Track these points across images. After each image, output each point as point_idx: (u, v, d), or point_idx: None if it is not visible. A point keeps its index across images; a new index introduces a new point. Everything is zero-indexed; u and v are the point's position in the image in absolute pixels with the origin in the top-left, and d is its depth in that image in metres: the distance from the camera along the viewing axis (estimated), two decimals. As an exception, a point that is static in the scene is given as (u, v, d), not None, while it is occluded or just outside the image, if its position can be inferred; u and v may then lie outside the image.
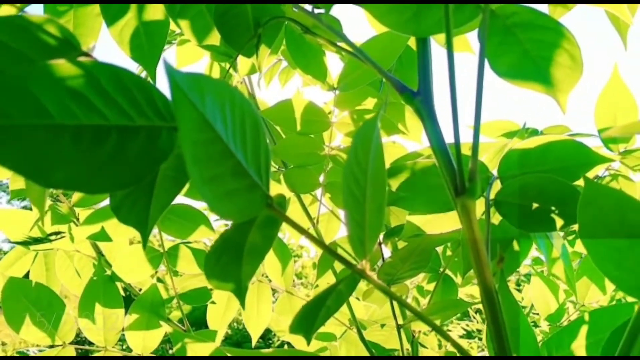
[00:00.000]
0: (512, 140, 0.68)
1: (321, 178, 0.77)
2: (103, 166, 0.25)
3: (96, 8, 0.49)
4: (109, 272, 0.67)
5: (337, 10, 0.44)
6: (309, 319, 0.33)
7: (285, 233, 1.05)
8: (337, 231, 0.86)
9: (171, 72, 0.21)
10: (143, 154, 0.26)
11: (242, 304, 0.33)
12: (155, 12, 0.47)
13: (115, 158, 0.25)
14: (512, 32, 0.31)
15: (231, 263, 0.31)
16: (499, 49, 0.32)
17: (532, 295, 0.72)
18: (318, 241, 0.30)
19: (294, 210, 0.86)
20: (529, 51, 0.32)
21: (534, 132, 0.90)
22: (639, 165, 0.78)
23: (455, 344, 0.33)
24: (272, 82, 1.03)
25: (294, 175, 0.72)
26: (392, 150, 0.82)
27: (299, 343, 0.84)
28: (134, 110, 0.26)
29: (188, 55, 0.73)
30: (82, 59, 0.26)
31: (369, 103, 0.78)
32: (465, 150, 0.56)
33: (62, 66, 0.24)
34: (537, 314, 0.78)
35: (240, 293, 0.33)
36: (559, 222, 0.41)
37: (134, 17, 0.47)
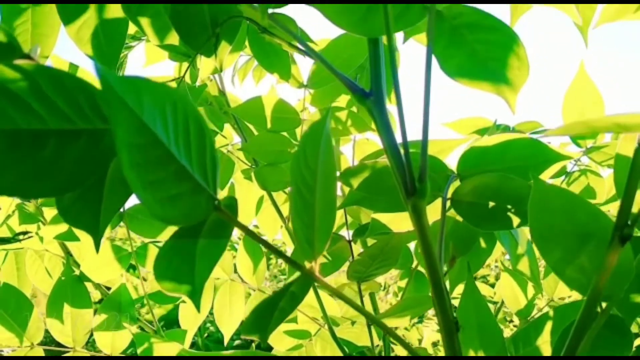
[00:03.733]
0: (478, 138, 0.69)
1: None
2: (42, 171, 0.24)
3: (55, 8, 0.48)
4: (77, 272, 0.67)
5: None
6: (263, 320, 0.33)
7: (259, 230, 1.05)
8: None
9: (103, 74, 0.21)
10: (84, 158, 0.26)
11: (197, 306, 0.33)
12: (115, 10, 0.47)
13: (55, 162, 0.25)
14: (459, 33, 0.31)
15: (183, 266, 0.31)
16: (447, 50, 0.32)
17: (502, 290, 0.73)
18: (263, 241, 0.30)
19: (266, 209, 0.86)
20: (477, 51, 0.32)
21: (506, 129, 0.90)
22: (606, 160, 0.79)
23: (406, 346, 0.34)
24: (246, 78, 1.03)
25: (265, 173, 0.72)
26: (365, 147, 0.83)
27: (278, 343, 0.84)
28: (75, 114, 0.26)
29: (157, 53, 0.72)
30: (22, 61, 0.25)
31: (343, 100, 0.78)
32: (434, 151, 0.57)
33: (5, 71, 0.23)
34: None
35: (195, 296, 0.33)
36: (516, 220, 0.42)
37: (92, 16, 0.47)
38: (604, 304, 0.34)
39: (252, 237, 0.31)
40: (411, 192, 0.32)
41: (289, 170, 0.74)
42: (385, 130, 0.34)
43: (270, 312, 0.33)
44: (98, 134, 0.26)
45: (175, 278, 0.32)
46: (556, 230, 0.33)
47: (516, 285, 0.72)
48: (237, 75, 1.00)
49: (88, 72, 0.63)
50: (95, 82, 0.66)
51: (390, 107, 0.42)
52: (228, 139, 0.90)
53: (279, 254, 0.31)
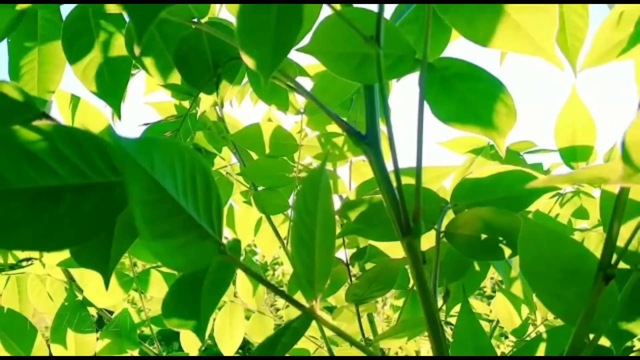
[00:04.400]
0: (473, 165, 0.70)
1: (291, 199, 0.78)
2: (58, 225, 0.26)
3: (58, 47, 0.50)
4: (80, 297, 0.68)
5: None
6: (267, 353, 0.35)
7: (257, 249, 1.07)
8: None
9: (117, 138, 0.23)
10: (99, 210, 0.27)
11: (202, 340, 0.34)
12: (119, 49, 0.49)
13: (70, 216, 0.26)
14: (449, 83, 0.33)
15: (189, 305, 0.33)
16: (439, 97, 0.34)
17: (497, 310, 0.74)
18: (265, 281, 0.32)
19: (264, 231, 0.88)
20: (466, 99, 0.34)
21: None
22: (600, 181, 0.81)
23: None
24: (244, 99, 1.05)
25: (264, 197, 0.74)
26: (362, 169, 0.84)
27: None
28: (89, 168, 0.27)
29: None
30: (41, 122, 0.27)
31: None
32: (429, 178, 0.58)
33: (19, 132, 0.25)
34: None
35: (200, 331, 0.35)
36: (507, 251, 0.43)
37: (97, 55, 0.49)
38: (591, 335, 0.36)
39: (254, 278, 0.32)
40: (406, 232, 0.34)
41: (286, 194, 0.76)
42: (380, 171, 0.36)
43: (274, 346, 0.34)
44: (110, 187, 0.28)
45: (181, 316, 0.34)
46: (544, 266, 0.34)
47: (511, 305, 0.73)
48: (235, 97, 1.01)
49: (90, 104, 0.64)
50: (98, 121, 0.67)
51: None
52: (226, 160, 0.91)
53: (281, 294, 0.32)
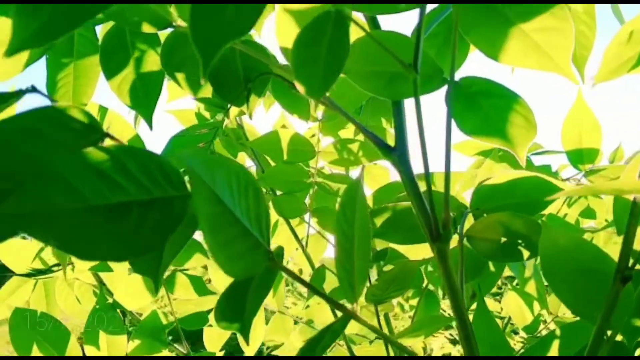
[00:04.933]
0: (482, 168, 0.73)
1: (307, 200, 0.81)
2: (129, 238, 0.29)
3: (94, 60, 0.53)
4: (110, 300, 0.71)
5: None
6: (309, 354, 0.37)
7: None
8: (324, 251, 0.91)
9: (189, 161, 0.26)
10: (161, 223, 0.30)
11: (246, 340, 0.37)
12: (152, 64, 0.52)
13: (138, 229, 0.29)
14: (474, 99, 0.36)
15: (236, 308, 0.36)
16: (464, 113, 0.37)
17: (509, 307, 0.77)
18: (311, 286, 0.35)
19: (282, 232, 0.91)
20: (489, 115, 0.36)
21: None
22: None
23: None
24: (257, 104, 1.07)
25: (282, 202, 0.76)
26: (376, 172, 0.87)
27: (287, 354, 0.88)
28: (152, 184, 0.30)
29: (177, 90, 0.77)
30: (109, 143, 0.30)
31: (352, 127, 0.83)
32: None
33: (92, 153, 0.28)
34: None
35: (244, 331, 0.37)
36: (526, 253, 0.46)
37: (131, 70, 0.51)
38: (609, 332, 0.38)
39: (299, 281, 0.35)
40: (436, 238, 0.37)
41: (304, 198, 0.78)
42: (410, 182, 0.38)
43: (316, 346, 0.37)
44: (170, 201, 0.30)
45: (229, 319, 0.37)
46: (565, 269, 0.37)
47: (522, 302, 0.76)
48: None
49: (118, 114, 0.67)
50: (125, 129, 0.70)
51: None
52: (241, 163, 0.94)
53: (325, 297, 0.35)
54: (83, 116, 0.31)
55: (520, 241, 0.45)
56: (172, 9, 0.45)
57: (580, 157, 0.83)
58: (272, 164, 0.80)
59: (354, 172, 0.89)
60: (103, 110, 0.68)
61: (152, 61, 0.52)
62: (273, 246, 0.34)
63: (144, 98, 0.53)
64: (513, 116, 0.37)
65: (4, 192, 0.26)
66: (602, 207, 0.85)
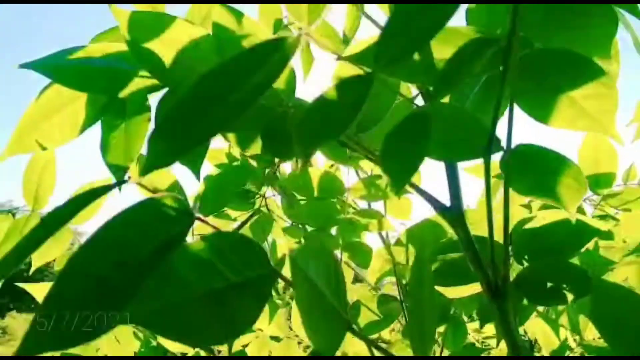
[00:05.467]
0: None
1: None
2: (229, 319, 0.31)
3: (144, 118, 0.55)
4: (154, 343, 0.73)
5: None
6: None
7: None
8: (350, 279, 0.93)
9: (292, 257, 0.28)
10: (254, 300, 0.32)
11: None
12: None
13: (235, 310, 0.31)
14: (528, 164, 0.38)
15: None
16: (519, 175, 0.39)
17: (533, 332, 0.80)
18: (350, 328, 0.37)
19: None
20: (542, 178, 0.39)
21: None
22: (622, 205, 0.87)
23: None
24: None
25: (314, 238, 0.79)
26: (398, 204, 0.89)
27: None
28: (243, 266, 0.32)
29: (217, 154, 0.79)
30: (209, 231, 0.32)
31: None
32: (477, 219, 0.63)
33: (196, 245, 0.30)
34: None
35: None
36: (570, 296, 0.48)
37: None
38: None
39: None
40: (495, 294, 0.39)
41: (335, 234, 0.81)
42: (467, 241, 0.41)
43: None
44: (260, 280, 0.33)
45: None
46: (617, 323, 0.39)
47: (548, 327, 0.78)
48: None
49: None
50: (165, 176, 0.71)
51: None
52: (268, 200, 0.97)
53: (364, 339, 0.37)
54: (176, 203, 0.33)
55: (564, 285, 0.48)
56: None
57: (597, 182, 0.86)
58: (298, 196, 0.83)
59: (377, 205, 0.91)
60: (142, 158, 0.70)
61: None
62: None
63: (192, 155, 0.55)
64: (563, 178, 0.39)
65: (117, 288, 0.28)
66: (619, 229, 0.88)
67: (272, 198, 0.98)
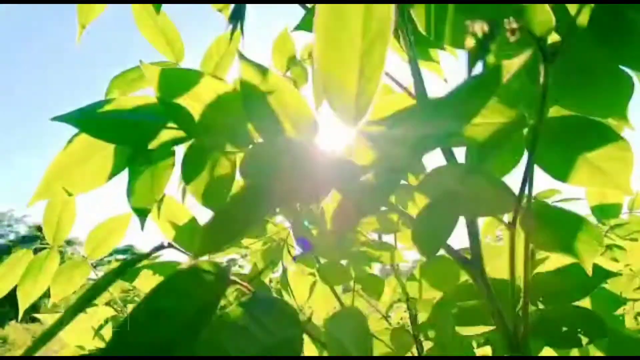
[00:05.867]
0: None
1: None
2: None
3: (168, 162, 0.57)
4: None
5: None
6: None
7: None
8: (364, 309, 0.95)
9: (328, 325, 0.30)
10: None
11: None
12: (224, 169, 0.56)
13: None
14: (545, 222, 0.40)
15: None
16: (538, 232, 0.41)
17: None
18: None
19: (319, 290, 0.95)
20: (560, 235, 0.41)
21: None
22: (628, 235, 0.88)
23: None
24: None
25: (327, 270, 0.80)
26: (409, 236, 0.91)
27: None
28: (275, 325, 0.34)
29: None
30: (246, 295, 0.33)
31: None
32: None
33: (234, 311, 0.31)
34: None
35: None
36: (584, 339, 0.50)
37: (205, 175, 0.55)
38: None
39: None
40: (515, 349, 0.40)
41: (346, 268, 0.82)
42: (487, 292, 0.42)
43: None
44: (290, 341, 0.34)
45: None
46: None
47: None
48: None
49: (173, 199, 0.71)
50: (181, 213, 0.72)
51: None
52: (277, 226, 0.98)
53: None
54: (213, 267, 0.34)
55: (579, 329, 0.49)
56: (251, 127, 0.49)
57: (604, 212, 0.88)
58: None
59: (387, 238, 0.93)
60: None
61: (224, 165, 0.56)
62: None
63: (215, 196, 0.57)
64: (580, 235, 0.41)
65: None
66: (624, 255, 0.90)
67: (282, 224, 1.00)
